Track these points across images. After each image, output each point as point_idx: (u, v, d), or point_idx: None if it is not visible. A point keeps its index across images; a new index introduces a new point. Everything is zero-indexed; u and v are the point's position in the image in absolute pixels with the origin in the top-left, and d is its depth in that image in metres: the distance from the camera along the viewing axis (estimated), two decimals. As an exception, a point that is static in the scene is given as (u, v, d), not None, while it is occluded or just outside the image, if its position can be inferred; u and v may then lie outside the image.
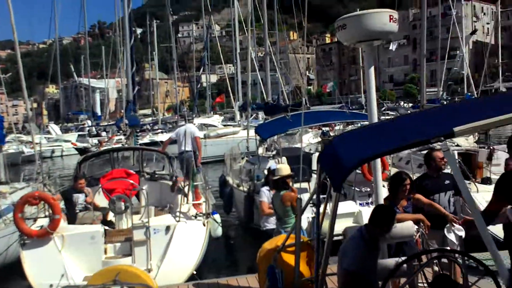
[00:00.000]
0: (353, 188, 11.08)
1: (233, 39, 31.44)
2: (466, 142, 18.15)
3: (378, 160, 5.75)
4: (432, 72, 50.48)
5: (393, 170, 12.84)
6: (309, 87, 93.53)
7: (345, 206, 10.49)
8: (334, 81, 49.64)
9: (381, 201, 5.49)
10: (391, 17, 5.06)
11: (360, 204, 10.40)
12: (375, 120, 5.46)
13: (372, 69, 5.49)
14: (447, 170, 6.38)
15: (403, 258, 4.16)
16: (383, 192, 11.38)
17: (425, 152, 6.67)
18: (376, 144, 2.92)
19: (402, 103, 61.14)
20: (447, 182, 5.88)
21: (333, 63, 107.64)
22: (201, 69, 34.91)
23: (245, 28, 24.44)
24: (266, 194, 8.32)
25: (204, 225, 9.00)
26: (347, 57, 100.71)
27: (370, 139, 3.16)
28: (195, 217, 9.10)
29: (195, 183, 10.24)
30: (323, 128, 26.20)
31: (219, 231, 9.67)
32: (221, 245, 11.03)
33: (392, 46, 62.64)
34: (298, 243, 4.06)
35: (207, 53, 34.89)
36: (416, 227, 5.06)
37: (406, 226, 5.00)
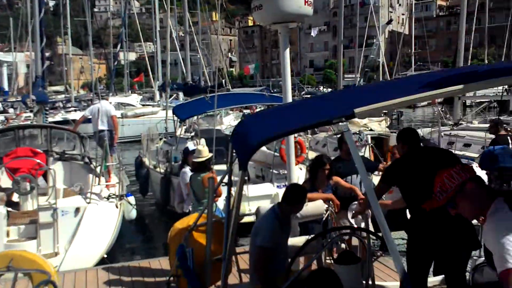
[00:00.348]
0: (271, 170, 11.25)
1: (153, 17, 30.55)
2: (379, 127, 19.04)
3: (292, 142, 5.86)
4: (350, 59, 52.25)
5: (311, 153, 13.22)
6: (231, 69, 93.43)
7: (262, 188, 10.65)
8: (256, 63, 49.83)
9: (295, 181, 5.61)
10: (306, 0, 5.10)
11: (278, 186, 10.58)
12: (289, 101, 5.53)
13: (287, 51, 5.53)
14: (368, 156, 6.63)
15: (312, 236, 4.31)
16: (299, 173, 11.62)
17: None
18: (281, 124, 2.93)
19: (321, 87, 63.04)
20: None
21: (256, 46, 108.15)
22: (119, 46, 33.64)
23: (165, 6, 23.74)
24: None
25: (117, 207, 8.74)
26: (269, 40, 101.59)
27: (277, 119, 3.18)
28: (107, 198, 8.81)
29: (108, 164, 9.89)
30: (244, 111, 26.33)
31: (133, 214, 9.44)
32: (136, 228, 10.79)
33: (313, 32, 64.27)
34: (210, 222, 4.02)
35: (125, 30, 33.60)
36: (326, 205, 5.22)
37: (316, 205, 5.17)
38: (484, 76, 2.56)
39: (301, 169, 11.74)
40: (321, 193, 5.45)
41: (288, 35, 5.49)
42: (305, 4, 5.10)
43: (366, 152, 14.24)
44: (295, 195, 4.27)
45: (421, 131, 19.78)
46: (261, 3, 5.18)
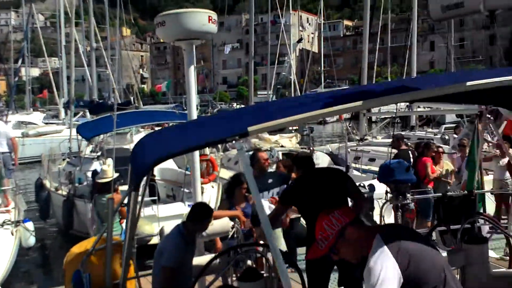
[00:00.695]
0: (182, 189, 11.06)
1: (58, 31, 29.18)
2: (290, 143, 19.48)
3: (197, 160, 5.75)
4: (263, 76, 53.26)
5: (223, 171, 13.17)
6: (142, 86, 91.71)
7: (173, 208, 10.40)
8: (168, 80, 49.30)
9: (199, 199, 5.54)
10: (210, 18, 5.05)
11: (189, 205, 10.39)
12: (194, 118, 5.44)
13: (192, 68, 5.43)
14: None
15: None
16: (211, 191, 11.46)
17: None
18: (176, 143, 2.84)
19: (235, 104, 63.59)
20: (270, 181, 6.17)
21: (168, 62, 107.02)
22: (20, 61, 31.68)
23: (71, 20, 22.81)
24: None
25: (12, 234, 8.12)
26: (181, 57, 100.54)
27: (173, 138, 3.08)
28: (2, 225, 8.17)
29: (3, 188, 9.20)
30: (156, 128, 25.77)
31: (31, 241, 8.79)
32: (35, 255, 10.07)
33: (226, 49, 64.84)
34: (110, 244, 3.78)
35: (27, 44, 31.75)
36: (232, 223, 5.21)
37: (222, 223, 5.13)
38: (374, 95, 2.61)
39: (213, 187, 11.66)
40: (241, 211, 5.45)
41: (192, 52, 5.40)
42: (209, 22, 5.04)
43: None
44: (200, 214, 4.27)
45: (330, 147, 20.49)
46: (164, 20, 5.06)
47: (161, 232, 4.99)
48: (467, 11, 3.11)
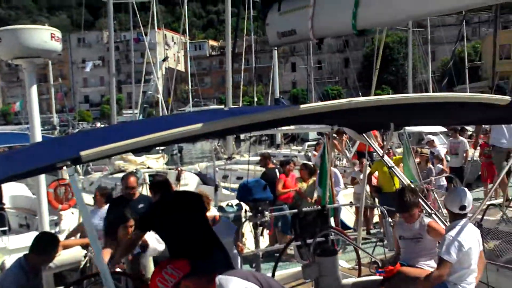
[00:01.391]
0: (36, 217, 10.20)
1: None
2: (157, 164, 19.06)
3: (43, 186, 5.35)
4: (129, 94, 51.80)
5: (84, 195, 12.39)
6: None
7: (27, 238, 9.52)
8: (21, 100, 45.71)
9: (47, 228, 5.19)
10: (53, 35, 4.73)
11: (44, 234, 9.60)
12: (38, 140, 5.06)
13: (34, 88, 5.05)
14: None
15: None
16: (70, 217, 10.71)
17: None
18: (6, 170, 2.57)
19: (98, 124, 60.95)
20: (141, 206, 5.97)
21: (21, 80, 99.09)
22: None
23: None
24: None
25: None
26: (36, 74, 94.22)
27: (7, 163, 2.79)
28: None
29: None
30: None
31: None
32: None
33: (87, 67, 61.88)
34: None
35: None
36: (85, 252, 4.93)
37: (72, 253, 4.88)
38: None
39: (73, 213, 10.91)
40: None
41: (33, 72, 5.01)
42: (51, 39, 4.72)
43: (144, 191, 14.06)
44: (44, 244, 4.00)
45: (198, 166, 20.46)
46: (0, 36, 4.63)
47: (2, 266, 4.56)
48: (299, 38, 3.25)
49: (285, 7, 3.30)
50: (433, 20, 42.97)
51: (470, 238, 4.05)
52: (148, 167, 17.23)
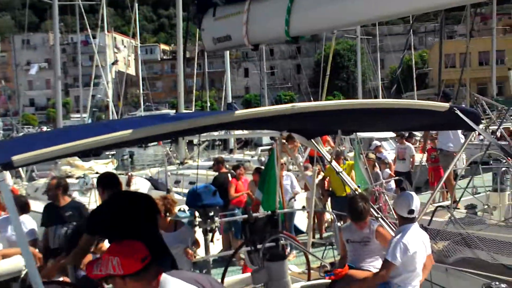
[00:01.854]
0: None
1: None
2: (106, 169, 18.57)
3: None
4: (77, 98, 50.39)
5: (31, 201, 11.87)
6: None
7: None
8: None
9: None
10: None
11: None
12: None
13: None
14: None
15: None
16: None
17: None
18: None
19: (45, 128, 58.93)
20: (69, 213, 5.73)
21: None
22: None
23: None
24: None
25: None
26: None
27: None
28: None
29: None
30: None
31: None
32: None
33: (32, 69, 59.58)
34: None
35: None
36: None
37: (11, 262, 4.70)
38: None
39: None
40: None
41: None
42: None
43: (93, 196, 13.66)
44: None
45: (149, 171, 20.10)
46: None
47: None
48: (234, 44, 3.24)
49: (220, 12, 3.27)
50: (381, 29, 44.35)
51: (416, 242, 4.15)
52: (97, 172, 16.74)
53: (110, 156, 22.67)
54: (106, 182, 4.34)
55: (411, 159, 13.18)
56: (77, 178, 15.61)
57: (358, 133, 14.06)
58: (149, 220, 4.26)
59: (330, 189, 10.01)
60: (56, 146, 2.17)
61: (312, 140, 5.30)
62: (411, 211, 4.21)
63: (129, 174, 16.33)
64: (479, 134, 8.39)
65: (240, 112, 2.86)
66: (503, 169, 8.33)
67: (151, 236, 4.14)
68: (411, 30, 25.92)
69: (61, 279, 5.11)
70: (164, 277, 2.27)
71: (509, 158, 8.39)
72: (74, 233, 5.20)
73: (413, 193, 4.46)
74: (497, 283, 3.19)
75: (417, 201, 4.27)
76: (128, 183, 14.55)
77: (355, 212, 4.54)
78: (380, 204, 8.77)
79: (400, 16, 2.53)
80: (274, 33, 2.96)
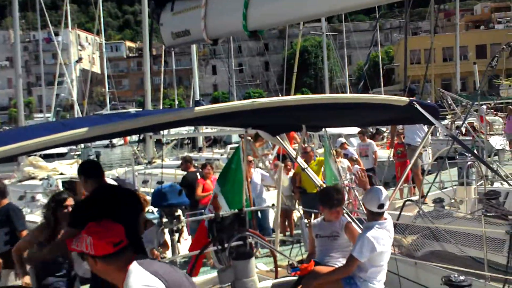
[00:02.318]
0: None
1: None
2: (71, 169, 18.15)
3: None
4: (40, 97, 49.15)
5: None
6: None
7: None
8: None
9: None
10: None
11: None
12: None
13: None
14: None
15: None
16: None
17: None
18: None
19: (7, 128, 57.43)
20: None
21: None
22: None
23: None
24: None
25: None
26: None
27: None
28: None
29: None
30: None
31: None
32: None
33: (-8, 67, 57.87)
34: None
35: None
36: None
37: None
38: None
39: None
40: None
41: None
42: None
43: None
44: None
45: (116, 172, 19.72)
46: None
47: None
48: (193, 38, 3.21)
49: (178, 7, 3.25)
50: (348, 26, 44.76)
51: (384, 239, 4.14)
52: (61, 173, 16.33)
53: (75, 156, 22.13)
54: (89, 170, 4.18)
55: (374, 156, 13.33)
56: (40, 179, 15.20)
57: (327, 129, 14.16)
58: (133, 215, 4.04)
59: (301, 185, 10.01)
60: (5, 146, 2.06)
61: (277, 136, 5.25)
62: (381, 206, 4.21)
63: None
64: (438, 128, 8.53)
65: (200, 108, 2.79)
66: (468, 163, 8.49)
67: (132, 228, 3.90)
68: (377, 27, 26.27)
69: (19, 283, 4.93)
70: (134, 265, 2.22)
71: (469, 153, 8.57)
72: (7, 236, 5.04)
73: (382, 188, 4.45)
74: (456, 275, 3.22)
75: (386, 195, 4.27)
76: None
77: (330, 199, 4.52)
78: (350, 200, 8.82)
79: (358, 8, 2.51)
80: (232, 28, 2.95)
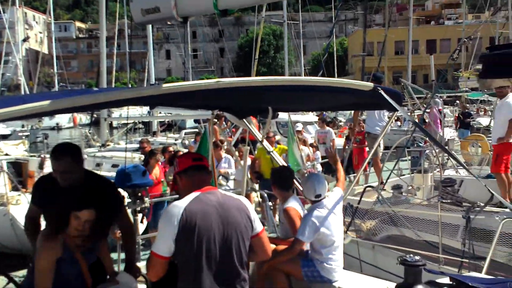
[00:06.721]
0: None
1: None
2: (17, 150, 17.46)
3: None
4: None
5: None
6: None
7: None
8: None
9: None
10: None
11: None
12: None
13: None
14: None
15: None
16: None
17: None
18: None
19: None
20: None
21: None
22: None
23: None
24: None
25: None
26: None
27: None
28: None
29: None
30: None
31: None
32: None
33: None
34: None
35: None
36: None
37: None
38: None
39: None
40: None
41: None
42: None
43: (1, 180, 12.73)
44: None
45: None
46: None
47: None
48: (163, 16, 3.20)
49: None
50: (304, 15, 45.10)
51: (327, 217, 4.19)
52: (6, 154, 15.68)
53: (23, 137, 21.29)
54: (59, 152, 3.62)
55: (332, 143, 13.53)
56: (-16, 160, 14.52)
57: (282, 117, 14.21)
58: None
59: (259, 171, 10.00)
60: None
61: (244, 120, 5.22)
62: (318, 196, 4.29)
63: (43, 156, 15.41)
64: (400, 114, 8.76)
65: (167, 85, 2.76)
66: (426, 151, 8.77)
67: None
68: (337, 17, 26.63)
69: None
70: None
71: (426, 141, 8.85)
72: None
73: (320, 176, 4.52)
74: (411, 255, 3.35)
75: (323, 183, 4.32)
76: (41, 165, 13.71)
77: (284, 181, 4.58)
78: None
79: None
80: (203, 6, 2.97)
